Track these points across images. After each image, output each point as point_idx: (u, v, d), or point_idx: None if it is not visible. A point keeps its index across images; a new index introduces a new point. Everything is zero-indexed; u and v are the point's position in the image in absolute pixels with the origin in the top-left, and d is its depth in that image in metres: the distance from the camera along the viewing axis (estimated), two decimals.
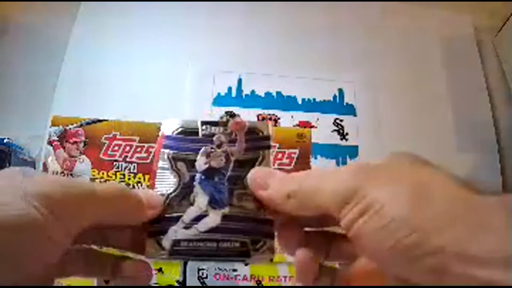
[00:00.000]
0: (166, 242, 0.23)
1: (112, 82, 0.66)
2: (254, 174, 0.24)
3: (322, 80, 0.69)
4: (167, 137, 0.26)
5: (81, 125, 0.53)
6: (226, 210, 0.24)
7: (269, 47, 0.71)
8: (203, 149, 0.26)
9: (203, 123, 0.26)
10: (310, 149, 0.59)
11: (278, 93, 0.67)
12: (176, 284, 0.52)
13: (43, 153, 0.54)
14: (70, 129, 0.53)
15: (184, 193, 0.25)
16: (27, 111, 0.64)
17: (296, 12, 0.74)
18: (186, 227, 0.23)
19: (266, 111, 0.66)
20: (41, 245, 0.18)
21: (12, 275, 0.18)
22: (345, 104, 0.68)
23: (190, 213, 0.24)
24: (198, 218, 0.24)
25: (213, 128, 0.26)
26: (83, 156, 0.51)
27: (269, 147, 0.26)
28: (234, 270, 0.52)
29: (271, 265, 0.52)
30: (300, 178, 0.22)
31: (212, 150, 0.26)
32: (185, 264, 0.52)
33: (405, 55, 0.72)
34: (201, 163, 0.25)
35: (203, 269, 0.52)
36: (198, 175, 0.25)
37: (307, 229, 0.25)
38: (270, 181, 0.23)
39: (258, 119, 0.64)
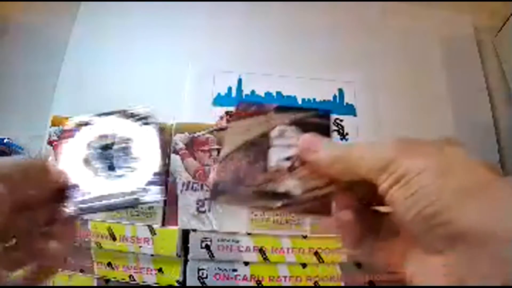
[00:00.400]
0: (73, 204, 0.28)
1: (112, 82, 0.66)
2: (307, 137, 0.27)
3: (322, 80, 0.69)
4: (65, 131, 0.34)
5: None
6: (119, 171, 0.30)
7: (269, 47, 0.71)
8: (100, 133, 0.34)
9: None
10: None
11: (278, 93, 0.67)
12: (176, 284, 0.52)
13: (43, 153, 0.54)
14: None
15: (83, 164, 0.31)
16: (27, 111, 0.64)
17: (296, 12, 0.74)
18: (86, 191, 0.29)
19: None
20: None
21: None
22: (345, 104, 0.68)
23: (89, 179, 0.30)
24: (96, 182, 0.30)
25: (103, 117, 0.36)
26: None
27: (148, 123, 0.33)
28: (234, 270, 0.52)
29: (271, 265, 0.52)
30: (346, 146, 0.25)
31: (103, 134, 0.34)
32: (185, 264, 0.52)
33: (405, 55, 0.72)
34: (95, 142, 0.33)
35: (203, 269, 0.52)
36: (94, 151, 0.32)
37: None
38: (319, 145, 0.26)
39: None
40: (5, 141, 0.57)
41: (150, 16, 0.72)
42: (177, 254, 0.51)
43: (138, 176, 0.29)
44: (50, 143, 0.58)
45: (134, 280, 0.52)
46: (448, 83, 0.70)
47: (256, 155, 0.27)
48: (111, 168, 0.30)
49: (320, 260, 0.52)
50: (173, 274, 0.52)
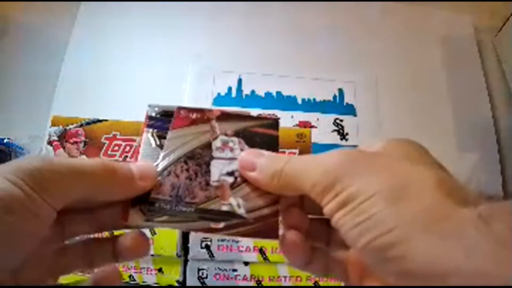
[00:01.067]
0: (151, 212, 0.23)
1: (112, 82, 0.67)
2: (243, 156, 0.24)
3: (322, 80, 0.69)
4: (151, 118, 0.27)
5: (81, 125, 0.54)
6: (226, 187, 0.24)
7: (269, 47, 0.71)
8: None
9: (180, 108, 0.27)
10: (310, 149, 0.59)
11: (278, 93, 0.67)
12: (176, 284, 0.52)
13: (43, 153, 0.54)
14: (70, 129, 0.53)
15: (165, 165, 0.25)
16: (27, 111, 0.64)
17: (296, 12, 0.74)
18: (169, 197, 0.24)
19: (266, 111, 0.66)
20: (25, 221, 0.18)
21: (5, 255, 0.18)
22: (345, 104, 0.68)
23: (170, 183, 0.24)
24: (178, 187, 0.24)
25: (195, 114, 0.28)
26: (83, 156, 0.51)
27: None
28: (234, 270, 0.52)
29: (271, 265, 0.52)
30: (285, 159, 0.22)
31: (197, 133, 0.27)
32: (185, 264, 0.52)
33: (405, 55, 0.72)
34: (184, 145, 0.26)
35: (203, 269, 0.52)
36: (180, 152, 0.26)
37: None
38: (258, 161, 0.23)
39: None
40: (5, 141, 0.57)
41: (150, 16, 0.72)
42: (177, 254, 0.51)
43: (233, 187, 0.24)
44: (50, 143, 0.58)
45: (134, 280, 0.52)
46: (448, 83, 0.70)
47: (197, 169, 0.25)
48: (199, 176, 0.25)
49: None
50: (173, 274, 0.52)
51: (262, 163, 0.23)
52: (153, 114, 0.27)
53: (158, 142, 0.26)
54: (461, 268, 0.16)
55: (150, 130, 0.27)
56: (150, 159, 0.25)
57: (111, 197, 0.23)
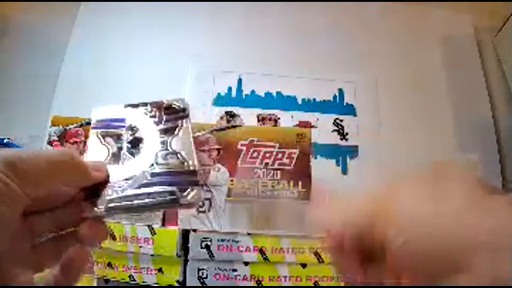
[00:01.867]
0: (101, 201, 0.25)
1: (112, 82, 0.66)
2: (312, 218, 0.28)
3: (322, 80, 0.69)
4: (96, 121, 0.31)
5: (81, 125, 0.54)
6: (153, 167, 0.27)
7: (269, 47, 0.71)
8: (127, 125, 0.30)
9: (126, 106, 0.31)
10: (310, 149, 0.59)
11: (278, 93, 0.67)
12: (176, 284, 0.52)
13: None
14: (70, 129, 0.53)
15: (113, 160, 0.28)
16: (27, 111, 0.64)
17: (296, 12, 0.74)
18: (118, 187, 0.26)
19: (266, 111, 0.65)
20: (2, 207, 0.20)
21: None
22: (345, 104, 0.68)
23: (119, 174, 0.27)
24: (128, 179, 0.27)
25: (134, 109, 0.31)
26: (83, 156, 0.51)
27: (187, 116, 0.30)
28: (234, 270, 0.52)
29: (271, 265, 0.52)
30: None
31: (135, 126, 0.30)
32: (185, 264, 0.52)
33: (405, 55, 0.72)
34: (126, 136, 0.30)
35: (203, 269, 0.52)
36: (125, 145, 0.29)
37: None
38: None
39: (258, 119, 0.64)
40: (5, 141, 0.57)
41: (150, 16, 0.72)
42: (177, 254, 0.51)
43: (175, 174, 0.27)
44: (50, 143, 0.58)
45: (134, 280, 0.52)
46: (448, 83, 0.70)
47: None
48: (143, 160, 0.28)
49: (320, 260, 0.52)
50: (173, 274, 0.52)
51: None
52: (97, 117, 0.31)
53: (103, 141, 0.30)
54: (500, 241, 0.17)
55: (95, 131, 0.30)
56: (96, 157, 0.28)
57: (71, 181, 0.25)
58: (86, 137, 0.52)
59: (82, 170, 0.25)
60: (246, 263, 0.52)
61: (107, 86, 0.66)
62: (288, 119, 0.65)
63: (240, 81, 0.68)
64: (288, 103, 0.67)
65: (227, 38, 0.71)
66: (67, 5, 0.71)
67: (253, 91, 0.67)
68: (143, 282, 0.52)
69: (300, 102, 0.67)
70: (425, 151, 0.62)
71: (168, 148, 0.29)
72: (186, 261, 0.52)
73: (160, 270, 0.52)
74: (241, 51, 0.71)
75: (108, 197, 0.26)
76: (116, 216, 0.27)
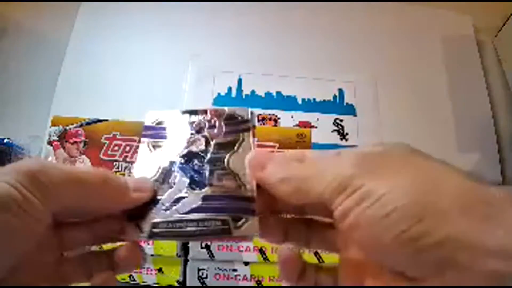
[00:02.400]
0: (146, 224, 0.23)
1: (112, 82, 0.67)
2: (253, 155, 0.24)
3: (322, 80, 0.69)
4: (146, 128, 0.27)
5: (81, 125, 0.54)
6: (206, 190, 0.24)
7: (269, 47, 0.71)
8: (182, 135, 0.26)
9: (183, 112, 0.27)
10: (310, 149, 0.59)
11: (278, 93, 0.67)
12: (176, 284, 0.52)
13: (43, 153, 0.54)
14: (70, 129, 0.53)
15: (163, 177, 0.25)
16: (27, 111, 0.64)
17: (296, 12, 0.74)
18: (165, 209, 0.23)
19: (266, 111, 0.65)
20: (19, 220, 0.18)
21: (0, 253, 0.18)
22: (345, 104, 0.68)
23: (169, 195, 0.24)
24: (177, 200, 0.24)
25: (192, 116, 0.27)
26: (83, 157, 0.51)
27: (248, 129, 0.26)
28: (234, 270, 0.52)
29: (271, 265, 0.52)
30: (296, 164, 0.22)
31: (192, 135, 0.26)
32: (185, 264, 0.52)
33: (405, 55, 0.72)
34: (181, 148, 0.26)
35: (203, 269, 0.52)
36: (177, 160, 0.26)
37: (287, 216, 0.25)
38: (268, 163, 0.23)
39: (258, 119, 0.64)
40: (5, 141, 0.57)
41: (150, 16, 0.72)
42: (177, 254, 0.51)
43: (230, 200, 0.23)
44: (50, 143, 0.58)
45: (134, 280, 0.52)
46: (448, 83, 0.70)
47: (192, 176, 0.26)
48: (197, 184, 0.24)
49: (320, 260, 0.52)
50: (173, 274, 0.52)
51: (272, 165, 0.22)
52: (149, 123, 0.28)
53: (153, 152, 0.26)
54: (504, 248, 0.15)
55: (146, 140, 0.27)
56: (146, 172, 0.25)
57: (104, 205, 0.23)
58: (86, 137, 0.52)
59: (118, 193, 0.22)
60: (246, 263, 0.52)
61: (107, 86, 0.66)
62: (288, 119, 0.65)
63: (240, 81, 0.68)
64: (288, 103, 0.67)
65: (227, 38, 0.71)
66: (67, 5, 0.71)
67: (253, 91, 0.67)
68: (143, 282, 0.52)
69: (300, 102, 0.67)
70: (425, 151, 0.62)
71: (226, 166, 0.25)
72: (186, 261, 0.52)
73: (160, 270, 0.52)
74: (241, 51, 0.71)
75: (153, 221, 0.23)
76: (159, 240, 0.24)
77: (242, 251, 0.52)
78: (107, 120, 0.53)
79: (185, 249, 0.52)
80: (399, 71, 0.71)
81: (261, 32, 0.73)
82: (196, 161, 0.25)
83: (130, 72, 0.68)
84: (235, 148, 0.25)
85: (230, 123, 0.26)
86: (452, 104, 0.69)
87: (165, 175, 0.25)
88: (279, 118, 0.65)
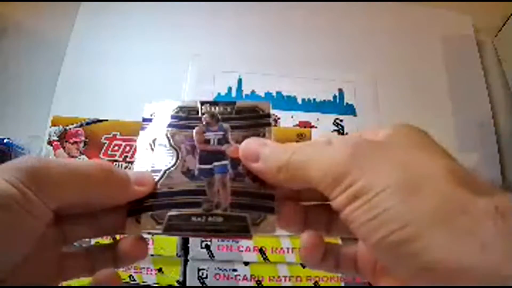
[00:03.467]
0: (162, 216, 0.22)
1: (112, 82, 0.66)
2: (246, 145, 0.23)
3: (322, 80, 0.69)
4: (144, 119, 0.27)
5: (81, 125, 0.54)
6: (225, 185, 0.23)
7: (270, 47, 0.71)
8: (197, 128, 0.26)
9: (202, 102, 0.27)
10: None
11: (278, 93, 0.67)
12: (176, 284, 0.52)
13: (43, 153, 0.54)
14: (70, 129, 0.53)
15: (181, 168, 0.24)
16: (27, 111, 0.64)
17: (296, 12, 0.74)
18: (181, 203, 0.23)
19: None
20: (20, 218, 0.18)
21: (1, 253, 0.18)
22: (345, 104, 0.68)
23: (186, 186, 0.24)
24: (195, 194, 0.23)
25: (212, 107, 0.26)
26: (83, 156, 0.51)
27: (269, 124, 0.26)
28: (234, 270, 0.52)
29: (271, 265, 0.52)
30: (291, 151, 0.21)
31: (204, 125, 0.26)
32: (185, 264, 0.52)
33: (405, 55, 0.72)
34: (202, 139, 0.25)
35: (203, 269, 0.52)
36: (198, 150, 0.25)
37: (306, 203, 0.25)
38: (262, 151, 0.22)
39: None
40: (5, 141, 0.57)
41: (150, 16, 0.72)
42: (177, 254, 0.51)
43: (249, 196, 0.23)
44: (50, 143, 0.58)
45: (134, 280, 0.52)
46: (448, 83, 0.70)
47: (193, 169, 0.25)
48: (215, 178, 0.24)
49: None
50: (173, 274, 0.52)
51: (266, 153, 0.22)
52: (148, 115, 0.27)
53: (172, 142, 0.25)
54: (476, 266, 0.15)
55: (165, 129, 0.26)
56: (164, 162, 0.25)
57: (107, 199, 0.23)
58: (86, 137, 0.52)
59: (120, 186, 0.22)
60: (246, 263, 0.52)
61: (107, 86, 0.66)
62: (288, 119, 0.65)
63: (240, 81, 0.68)
64: (288, 103, 0.67)
65: (227, 38, 0.71)
66: (67, 5, 0.71)
67: (253, 91, 0.67)
68: (143, 282, 0.52)
69: (300, 102, 0.67)
70: None
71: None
72: (186, 261, 0.52)
73: (160, 270, 0.52)
74: (241, 51, 0.71)
75: (169, 213, 0.22)
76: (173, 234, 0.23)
77: (242, 251, 0.52)
78: (107, 120, 0.53)
79: (185, 249, 0.52)
80: (399, 71, 0.71)
81: (261, 32, 0.73)
82: (213, 155, 0.24)
83: (130, 72, 0.68)
84: None
85: (251, 117, 0.26)
86: (452, 104, 0.69)
87: (185, 165, 0.24)
88: (279, 118, 0.65)
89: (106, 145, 0.52)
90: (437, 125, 0.68)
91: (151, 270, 0.52)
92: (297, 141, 0.58)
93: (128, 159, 0.51)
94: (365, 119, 0.66)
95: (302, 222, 0.24)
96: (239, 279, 0.52)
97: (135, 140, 0.54)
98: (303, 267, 0.52)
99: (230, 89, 0.67)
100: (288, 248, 0.52)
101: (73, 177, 0.20)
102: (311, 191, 0.21)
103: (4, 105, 0.65)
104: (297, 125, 0.64)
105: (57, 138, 0.53)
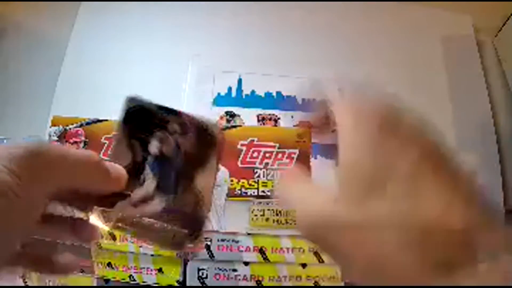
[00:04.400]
0: (112, 215, 0.24)
1: (112, 82, 0.66)
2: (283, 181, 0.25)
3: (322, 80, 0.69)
4: (129, 112, 0.28)
5: (81, 125, 0.54)
6: (170, 197, 0.25)
7: (270, 47, 0.71)
8: (157, 133, 0.27)
9: (161, 107, 0.28)
10: (310, 149, 0.60)
11: (278, 93, 0.67)
12: (176, 284, 0.52)
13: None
14: (70, 129, 0.53)
15: (135, 171, 0.26)
16: (27, 111, 0.64)
17: (296, 12, 0.74)
18: (132, 206, 0.25)
19: (266, 111, 0.65)
20: (16, 204, 0.18)
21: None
22: None
23: (138, 193, 0.25)
24: (144, 200, 0.25)
25: (169, 115, 0.28)
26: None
27: (215, 146, 0.27)
28: (234, 270, 0.52)
29: (271, 265, 0.52)
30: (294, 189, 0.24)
31: (163, 133, 0.27)
32: (185, 264, 0.52)
33: (405, 55, 0.72)
34: (153, 147, 0.27)
35: (203, 269, 0.52)
36: (150, 158, 0.26)
37: None
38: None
39: (258, 119, 0.64)
40: (5, 141, 0.57)
41: (150, 16, 0.72)
42: (177, 254, 0.51)
43: (186, 216, 0.25)
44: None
45: (134, 280, 0.52)
46: (448, 83, 0.70)
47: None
48: (163, 189, 0.25)
49: (320, 260, 0.52)
50: (173, 274, 0.52)
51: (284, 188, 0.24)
52: (128, 110, 0.28)
53: (129, 142, 0.27)
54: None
55: (121, 128, 0.27)
56: (120, 159, 0.26)
57: (88, 187, 0.23)
58: (86, 137, 0.52)
59: (106, 176, 0.23)
60: (246, 263, 0.52)
61: (107, 86, 0.66)
62: (288, 119, 0.65)
63: (240, 81, 0.68)
64: (288, 103, 0.67)
65: (227, 38, 0.71)
66: (67, 5, 0.71)
67: (253, 91, 0.67)
68: (143, 282, 0.52)
69: (300, 102, 0.67)
70: None
71: (191, 182, 0.26)
72: (186, 261, 0.52)
73: (160, 270, 0.52)
74: (241, 51, 0.71)
75: (119, 215, 0.25)
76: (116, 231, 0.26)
77: (242, 251, 0.52)
78: (107, 120, 0.53)
79: None
80: (399, 71, 0.71)
81: (261, 32, 0.73)
82: (166, 165, 0.26)
83: (130, 72, 0.67)
84: (202, 166, 0.26)
85: (201, 136, 0.27)
86: (452, 104, 0.69)
87: (136, 169, 0.26)
88: (279, 118, 0.65)
89: (106, 145, 0.52)
90: (437, 125, 0.69)
91: (151, 270, 0.52)
92: (297, 141, 0.59)
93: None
94: None
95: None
96: (239, 279, 0.52)
97: None
98: (303, 267, 0.52)
99: (230, 89, 0.67)
100: (288, 248, 0.52)
101: (66, 162, 0.21)
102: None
103: (4, 105, 0.65)
104: (297, 125, 0.64)
105: (57, 138, 0.53)
